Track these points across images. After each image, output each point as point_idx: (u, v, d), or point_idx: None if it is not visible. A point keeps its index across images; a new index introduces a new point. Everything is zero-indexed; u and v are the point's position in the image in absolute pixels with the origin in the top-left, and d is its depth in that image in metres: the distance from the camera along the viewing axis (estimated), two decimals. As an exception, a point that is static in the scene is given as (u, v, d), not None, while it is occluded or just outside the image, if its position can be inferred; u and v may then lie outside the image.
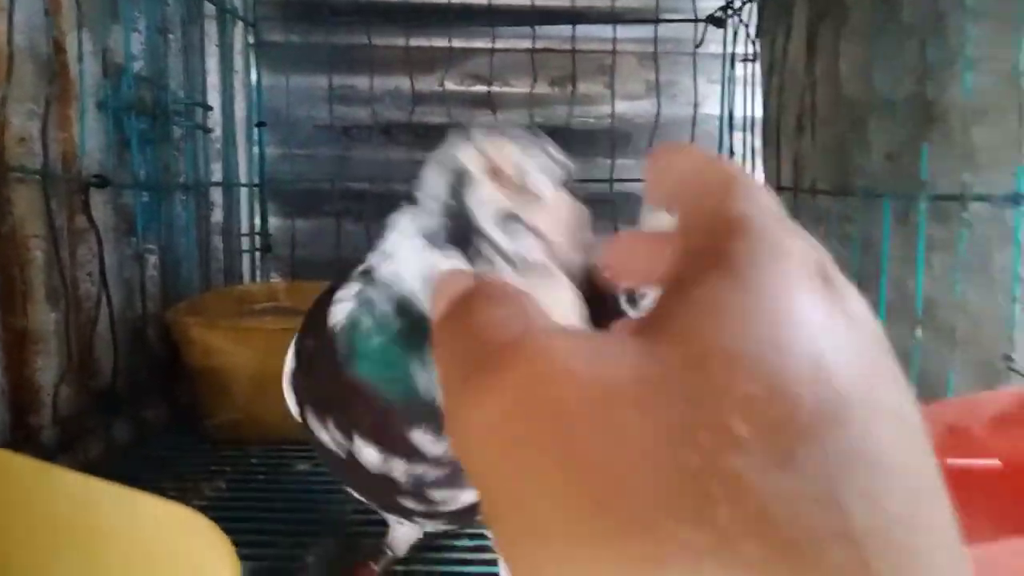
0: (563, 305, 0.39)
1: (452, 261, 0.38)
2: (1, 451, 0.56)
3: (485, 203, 0.38)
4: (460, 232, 0.39)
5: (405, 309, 0.42)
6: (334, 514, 0.81)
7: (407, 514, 0.52)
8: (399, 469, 0.46)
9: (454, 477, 0.46)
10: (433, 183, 0.42)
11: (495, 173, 0.38)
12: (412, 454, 0.44)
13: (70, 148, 0.93)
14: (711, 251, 0.17)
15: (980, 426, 0.49)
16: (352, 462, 0.47)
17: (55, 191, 0.87)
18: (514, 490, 0.15)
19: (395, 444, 0.44)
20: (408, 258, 0.41)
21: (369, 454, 0.46)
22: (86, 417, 0.94)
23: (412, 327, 0.41)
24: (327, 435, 0.49)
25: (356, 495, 0.55)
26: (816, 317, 0.16)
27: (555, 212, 0.35)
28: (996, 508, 0.41)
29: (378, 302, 0.43)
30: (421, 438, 0.43)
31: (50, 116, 0.86)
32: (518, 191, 0.37)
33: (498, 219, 0.38)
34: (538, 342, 0.16)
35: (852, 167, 0.85)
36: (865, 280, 0.83)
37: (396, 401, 0.43)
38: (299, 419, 0.55)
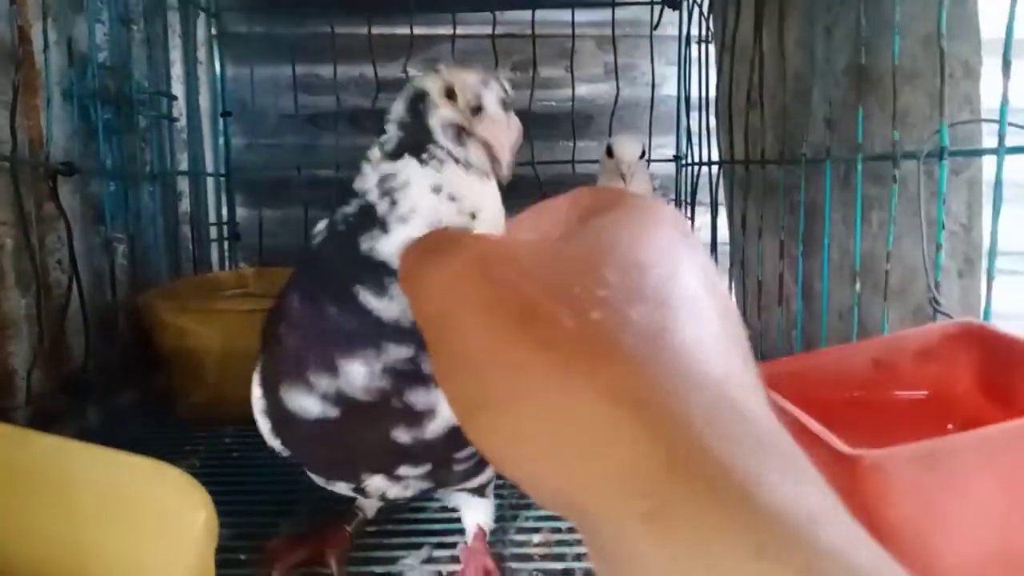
0: (493, 204, 0.48)
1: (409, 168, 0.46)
2: (-23, 418, 0.58)
3: (439, 117, 0.45)
4: (415, 141, 0.46)
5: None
6: (306, 489, 0.83)
7: (395, 460, 0.53)
8: (381, 373, 0.47)
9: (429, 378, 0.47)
10: (396, 107, 0.49)
11: (451, 94, 0.45)
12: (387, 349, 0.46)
13: (36, 136, 0.94)
14: (604, 208, 0.26)
15: (905, 360, 0.53)
16: (345, 411, 0.48)
17: (23, 179, 0.88)
18: (455, 323, 0.22)
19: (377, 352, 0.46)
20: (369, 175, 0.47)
21: (356, 373, 0.47)
22: (58, 401, 0.95)
23: None
24: (311, 397, 0.50)
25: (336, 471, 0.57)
26: (663, 242, 0.24)
27: (498, 127, 0.41)
28: (923, 435, 0.44)
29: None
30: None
31: (16, 105, 0.87)
32: (470, 109, 0.44)
33: (449, 130, 0.45)
34: (481, 237, 0.25)
35: (797, 137, 0.89)
36: (811, 243, 0.87)
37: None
38: (269, 421, 0.56)
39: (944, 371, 0.53)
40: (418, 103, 0.47)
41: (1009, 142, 0.58)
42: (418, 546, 0.70)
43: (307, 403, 0.50)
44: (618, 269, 0.22)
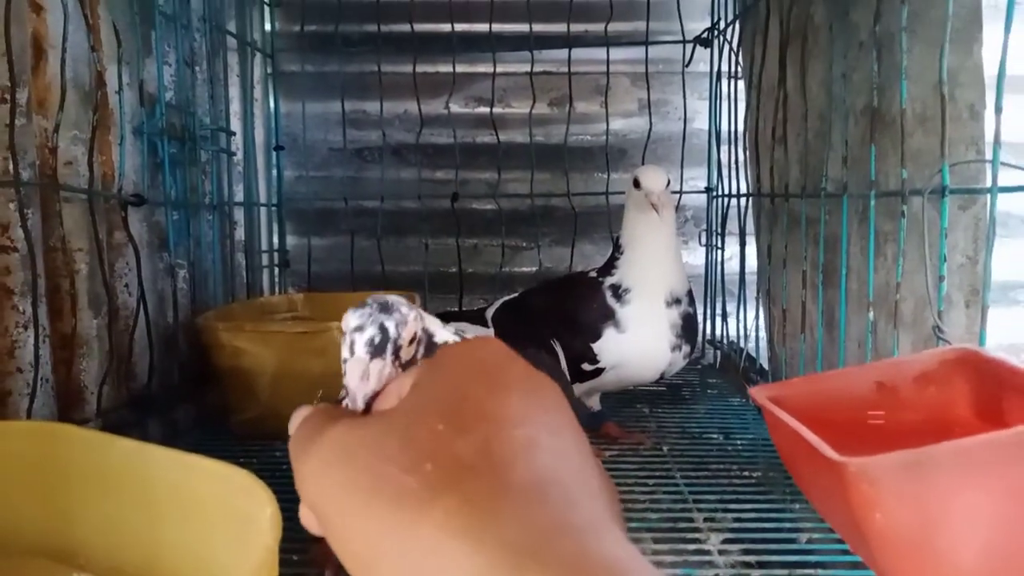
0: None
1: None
2: (64, 425, 0.64)
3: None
4: None
5: None
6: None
7: None
8: None
9: None
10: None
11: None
12: None
13: (109, 170, 1.03)
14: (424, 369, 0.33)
15: (906, 383, 0.57)
16: None
17: (97, 209, 0.97)
18: (330, 502, 0.27)
19: None
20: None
21: None
22: (124, 414, 1.02)
23: None
24: None
25: None
26: (475, 390, 0.29)
27: (350, 376, 0.47)
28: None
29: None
30: None
31: (94, 142, 0.96)
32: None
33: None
34: (329, 430, 0.30)
35: (819, 172, 0.93)
36: (831, 274, 0.91)
37: None
38: None
39: (941, 394, 0.57)
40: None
41: (1011, 180, 0.63)
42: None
43: None
44: (444, 417, 0.27)
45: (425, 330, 0.51)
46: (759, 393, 0.55)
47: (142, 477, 0.60)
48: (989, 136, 0.71)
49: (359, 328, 0.50)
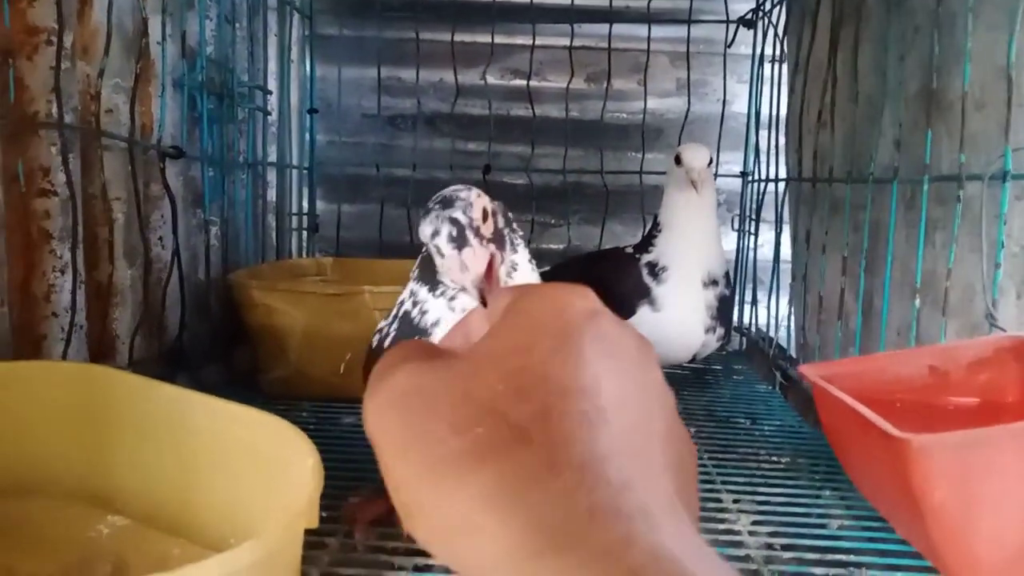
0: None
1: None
2: (107, 368, 0.64)
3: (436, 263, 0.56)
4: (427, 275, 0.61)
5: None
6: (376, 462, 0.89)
7: None
8: None
9: None
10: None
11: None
12: None
13: (148, 121, 1.03)
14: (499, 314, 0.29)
15: (959, 368, 0.56)
16: None
17: (136, 159, 0.96)
18: (382, 444, 0.26)
19: None
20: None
21: None
22: (154, 367, 1.03)
23: None
24: None
25: None
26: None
27: (451, 271, 0.50)
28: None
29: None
30: None
31: (136, 92, 0.95)
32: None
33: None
34: (398, 371, 0.28)
35: (865, 157, 0.92)
36: (874, 261, 0.90)
37: None
38: None
39: (995, 380, 0.56)
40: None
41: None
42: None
43: None
44: (507, 377, 0.26)
45: (496, 212, 0.54)
46: (810, 371, 0.54)
47: (182, 424, 0.60)
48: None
49: (435, 233, 0.53)
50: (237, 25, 1.27)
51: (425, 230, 0.53)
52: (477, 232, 0.51)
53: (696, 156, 1.02)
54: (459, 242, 0.50)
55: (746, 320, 1.46)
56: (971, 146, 0.74)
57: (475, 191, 0.54)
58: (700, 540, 0.23)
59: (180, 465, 0.60)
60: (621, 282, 1.06)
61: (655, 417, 0.27)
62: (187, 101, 1.08)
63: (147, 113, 1.03)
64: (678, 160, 1.04)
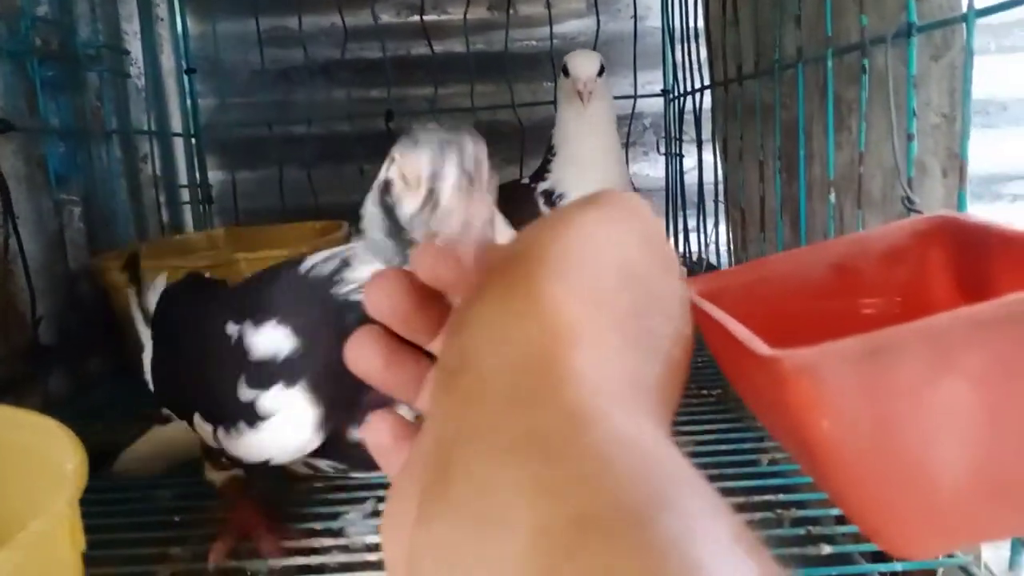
0: None
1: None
2: None
3: (403, 206, 0.46)
4: (395, 227, 0.48)
5: None
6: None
7: None
8: None
9: None
10: (370, 205, 0.50)
11: (408, 181, 0.45)
12: None
13: (-33, 94, 0.90)
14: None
15: (870, 263, 0.46)
16: None
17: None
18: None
19: None
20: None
21: None
22: (14, 368, 0.91)
23: None
24: None
25: None
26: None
27: (453, 218, 0.40)
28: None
29: None
30: None
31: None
32: (428, 196, 0.44)
33: (411, 218, 0.46)
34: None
35: (771, 47, 0.82)
36: (790, 161, 0.80)
37: None
38: None
39: (916, 272, 0.46)
40: (386, 195, 0.47)
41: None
42: (361, 500, 0.65)
43: None
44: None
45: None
46: (696, 285, 0.44)
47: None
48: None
49: (436, 173, 0.42)
50: (80, -19, 1.14)
51: (421, 167, 0.42)
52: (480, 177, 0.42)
53: (582, 64, 0.90)
54: (467, 184, 0.41)
55: (680, 250, 1.36)
56: (876, 10, 0.63)
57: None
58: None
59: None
60: (516, 217, 0.95)
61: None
62: (14, 68, 0.95)
63: (-35, 84, 0.90)
64: (565, 71, 0.93)
